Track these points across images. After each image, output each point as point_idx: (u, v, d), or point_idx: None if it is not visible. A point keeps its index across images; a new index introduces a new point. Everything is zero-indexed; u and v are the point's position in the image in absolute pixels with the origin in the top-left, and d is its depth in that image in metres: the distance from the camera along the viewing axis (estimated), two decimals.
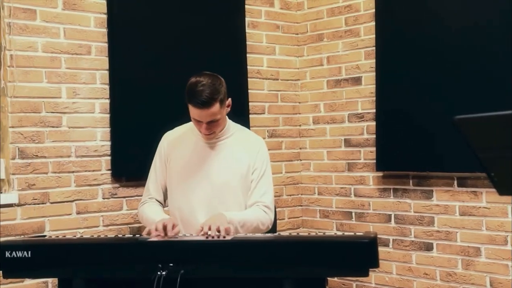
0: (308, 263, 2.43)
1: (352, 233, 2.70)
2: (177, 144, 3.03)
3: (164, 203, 3.09)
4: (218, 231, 2.57)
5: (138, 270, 2.50)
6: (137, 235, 2.78)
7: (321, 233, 2.70)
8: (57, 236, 3.09)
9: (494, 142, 1.97)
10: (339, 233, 4.22)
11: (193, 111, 2.80)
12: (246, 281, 2.49)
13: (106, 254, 2.57)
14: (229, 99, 2.89)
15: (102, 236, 3.06)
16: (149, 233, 2.65)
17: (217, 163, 2.95)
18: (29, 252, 2.56)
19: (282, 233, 2.93)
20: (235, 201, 2.94)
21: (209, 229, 2.57)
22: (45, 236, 3.05)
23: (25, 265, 2.53)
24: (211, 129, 2.85)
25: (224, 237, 2.54)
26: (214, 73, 2.87)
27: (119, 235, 3.09)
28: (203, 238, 2.56)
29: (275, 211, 3.10)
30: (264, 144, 3.07)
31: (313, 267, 2.42)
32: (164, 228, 2.66)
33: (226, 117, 2.98)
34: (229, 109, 2.91)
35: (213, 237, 2.54)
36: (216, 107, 2.77)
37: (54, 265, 2.57)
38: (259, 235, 2.74)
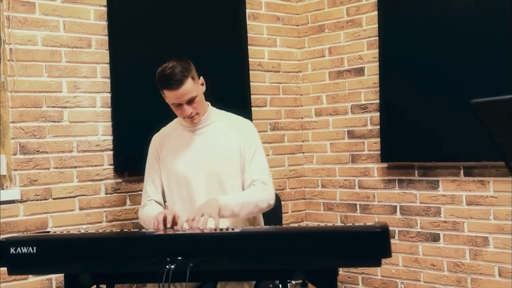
0: (319, 253, 2.38)
1: (362, 224, 2.65)
2: (165, 141, 3.05)
3: (164, 204, 3.06)
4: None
5: (146, 264, 2.45)
6: (143, 230, 2.73)
7: (331, 224, 2.65)
8: (62, 232, 3.04)
9: (510, 126, 1.93)
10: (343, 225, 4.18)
11: (169, 95, 2.84)
12: (257, 272, 2.45)
13: (113, 248, 2.52)
14: (201, 78, 2.93)
15: (107, 231, 3.01)
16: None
17: (207, 150, 2.94)
18: (34, 248, 2.51)
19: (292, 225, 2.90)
20: (233, 185, 2.92)
21: (193, 220, 2.57)
22: (49, 232, 3.00)
23: (30, 261, 2.48)
24: (193, 109, 2.86)
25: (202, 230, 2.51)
26: (182, 57, 2.92)
27: (124, 230, 3.04)
28: (198, 231, 2.53)
29: (281, 203, 3.07)
30: (252, 125, 3.09)
31: (324, 257, 2.38)
32: (164, 220, 2.65)
33: (208, 103, 3.00)
34: (203, 87, 2.94)
35: (199, 229, 2.52)
36: (189, 83, 2.81)
37: (60, 260, 2.51)
38: (268, 227, 2.70)
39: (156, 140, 3.09)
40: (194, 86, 2.83)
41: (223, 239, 2.49)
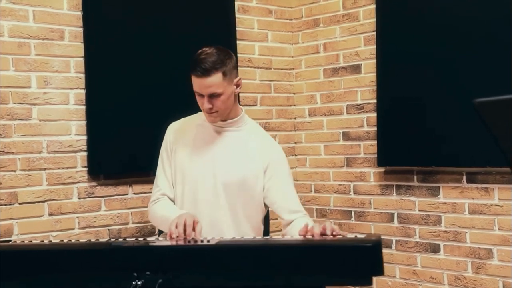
0: (303, 270, 2.13)
1: (353, 236, 2.39)
2: (183, 132, 2.76)
3: (174, 198, 2.79)
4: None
5: (111, 279, 2.19)
6: (112, 239, 2.47)
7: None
8: (23, 241, 2.77)
9: None
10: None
11: (194, 82, 2.55)
12: None
13: (75, 261, 2.26)
14: (239, 78, 2.64)
15: (74, 240, 2.74)
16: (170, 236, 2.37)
17: (225, 158, 2.67)
18: None
19: (275, 236, 2.63)
20: (242, 199, 2.67)
21: (324, 228, 2.30)
22: (10, 241, 2.72)
23: None
24: (213, 105, 2.55)
25: None
26: (226, 48, 2.64)
27: (93, 240, 2.77)
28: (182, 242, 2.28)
29: (268, 211, 2.82)
30: (281, 149, 2.83)
31: (308, 274, 2.12)
32: (185, 226, 2.37)
33: (242, 109, 2.73)
34: (238, 89, 2.65)
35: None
36: (217, 77, 2.51)
37: (17, 274, 2.25)
38: (248, 238, 2.43)
39: (171, 130, 2.78)
40: (222, 82, 2.52)
41: (197, 252, 2.24)
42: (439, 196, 3.49)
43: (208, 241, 2.26)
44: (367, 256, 2.13)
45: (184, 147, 2.72)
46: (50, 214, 3.17)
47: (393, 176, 3.69)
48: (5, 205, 3.03)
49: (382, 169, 3.74)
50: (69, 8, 3.25)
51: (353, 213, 3.89)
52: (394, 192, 3.69)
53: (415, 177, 3.59)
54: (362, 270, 2.10)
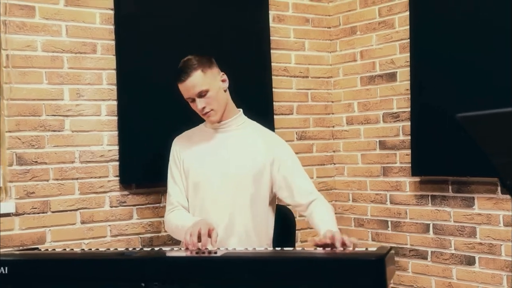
0: (307, 283, 2.12)
1: (363, 249, 2.35)
2: (187, 142, 2.92)
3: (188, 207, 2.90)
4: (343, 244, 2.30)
5: None
6: (124, 249, 2.52)
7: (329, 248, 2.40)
8: (47, 249, 2.86)
9: (507, 143, 1.62)
10: (373, 243, 3.87)
11: (181, 90, 2.76)
12: None
13: (86, 271, 2.33)
14: (222, 73, 2.80)
15: (88, 249, 2.79)
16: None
17: (227, 155, 2.80)
18: (6, 269, 2.35)
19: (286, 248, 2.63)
20: (245, 197, 2.77)
21: (333, 238, 2.29)
22: (36, 248, 2.82)
23: (1, 283, 2.32)
24: (205, 104, 2.71)
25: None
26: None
27: (118, 249, 2.84)
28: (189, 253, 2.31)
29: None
30: (282, 139, 2.95)
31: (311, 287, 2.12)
32: (199, 235, 2.44)
33: (239, 109, 2.88)
34: (226, 84, 2.80)
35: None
36: (197, 75, 2.69)
37: (31, 284, 2.34)
38: (254, 250, 2.44)
39: (176, 142, 2.97)
40: (204, 79, 2.70)
41: (204, 263, 2.26)
42: (473, 207, 3.40)
43: (215, 253, 2.28)
44: (369, 271, 2.09)
45: (190, 153, 2.86)
46: (82, 222, 3.26)
47: (428, 186, 3.62)
48: (38, 213, 3.14)
49: (417, 179, 3.67)
50: (102, 22, 3.34)
51: (389, 223, 3.83)
52: (430, 202, 3.61)
53: (450, 187, 3.50)
54: (363, 285, 2.07)
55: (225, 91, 2.80)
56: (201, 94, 2.70)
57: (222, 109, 2.78)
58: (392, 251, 2.26)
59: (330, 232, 2.33)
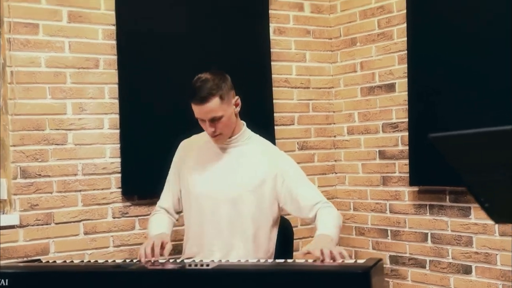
0: None
1: (353, 261, 2.41)
2: (191, 149, 2.95)
3: (174, 213, 3.01)
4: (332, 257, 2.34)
5: None
6: (122, 261, 2.60)
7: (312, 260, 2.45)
8: (48, 261, 2.95)
9: (479, 163, 1.68)
10: (374, 252, 3.92)
11: (194, 109, 2.70)
12: None
13: (84, 283, 2.43)
14: (237, 98, 2.77)
15: (87, 261, 2.87)
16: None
17: (229, 174, 2.81)
18: (7, 281, 2.44)
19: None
20: (246, 216, 2.78)
21: (322, 253, 2.33)
22: (38, 260, 2.91)
23: None
24: (216, 128, 2.71)
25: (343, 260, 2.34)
26: (219, 70, 2.77)
27: (116, 261, 2.91)
28: (181, 266, 2.38)
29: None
30: (284, 153, 2.95)
31: None
32: (152, 249, 2.55)
33: (243, 123, 2.87)
34: (238, 108, 2.78)
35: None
36: (215, 102, 2.65)
37: None
38: (245, 262, 2.50)
39: (181, 147, 3.01)
40: (221, 106, 2.67)
41: (195, 276, 2.34)
42: (470, 217, 3.44)
43: (208, 265, 2.35)
44: (355, 284, 2.16)
45: (189, 165, 2.89)
46: (86, 233, 3.35)
47: (426, 195, 3.66)
48: (42, 225, 3.23)
49: (415, 188, 3.72)
50: (104, 38, 3.43)
51: (389, 232, 3.88)
52: (428, 212, 3.66)
53: (447, 197, 3.55)
54: None
55: (236, 115, 2.79)
56: (215, 119, 2.68)
57: (230, 133, 2.78)
58: (381, 262, 2.32)
59: (319, 247, 2.37)
